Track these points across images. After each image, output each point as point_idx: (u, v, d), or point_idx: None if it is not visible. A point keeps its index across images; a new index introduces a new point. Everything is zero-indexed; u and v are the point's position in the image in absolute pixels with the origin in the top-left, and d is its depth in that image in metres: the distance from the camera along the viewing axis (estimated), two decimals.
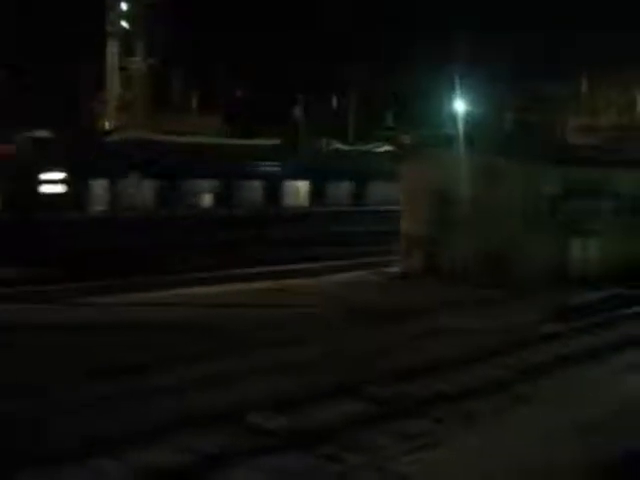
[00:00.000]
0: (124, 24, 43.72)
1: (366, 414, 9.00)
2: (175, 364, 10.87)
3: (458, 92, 37.89)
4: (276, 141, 31.64)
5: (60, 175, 23.97)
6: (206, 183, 28.21)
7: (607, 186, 21.48)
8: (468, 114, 37.63)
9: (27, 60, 38.37)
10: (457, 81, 37.17)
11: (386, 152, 35.09)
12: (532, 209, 19.99)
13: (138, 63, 43.53)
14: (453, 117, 35.87)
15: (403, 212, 22.85)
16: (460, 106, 37.87)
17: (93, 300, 16.63)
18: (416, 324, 14.41)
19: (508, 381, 10.53)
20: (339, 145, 37.64)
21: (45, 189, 23.60)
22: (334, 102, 44.90)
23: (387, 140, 37.55)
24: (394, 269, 22.05)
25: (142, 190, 26.09)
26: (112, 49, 43.32)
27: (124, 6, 43.85)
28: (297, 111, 42.12)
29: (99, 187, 24.42)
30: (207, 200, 27.69)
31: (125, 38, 43.67)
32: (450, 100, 38.37)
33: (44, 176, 23.90)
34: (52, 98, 36.29)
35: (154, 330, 13.45)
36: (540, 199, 20.09)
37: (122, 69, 42.97)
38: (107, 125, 40.65)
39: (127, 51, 43.91)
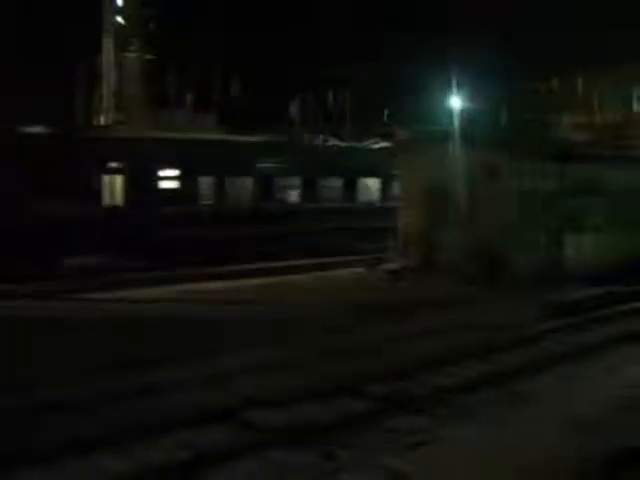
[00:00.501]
0: (120, 20, 43.63)
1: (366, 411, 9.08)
2: None
3: (454, 88, 37.90)
4: (277, 138, 31.61)
5: (175, 172, 25.75)
6: (286, 180, 29.10)
7: (602, 183, 21.54)
8: (464, 111, 37.64)
9: (22, 57, 38.32)
10: (453, 77, 37.19)
11: (382, 148, 35.08)
12: (528, 205, 20.05)
13: (134, 60, 43.44)
14: (449, 114, 35.87)
15: (399, 209, 22.92)
16: (456, 103, 37.87)
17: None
18: (412, 322, 14.49)
19: (505, 377, 10.60)
20: (336, 142, 37.60)
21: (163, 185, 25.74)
22: (330, 99, 44.85)
23: (383, 136, 37.50)
24: (392, 266, 22.11)
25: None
26: (108, 45, 43.22)
27: (120, 2, 43.75)
28: (293, 109, 42.09)
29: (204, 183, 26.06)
30: (293, 195, 28.90)
31: (120, 34, 43.58)
32: (446, 97, 38.38)
33: (162, 173, 25.82)
34: (48, 94, 36.24)
35: None
36: (536, 196, 20.14)
37: (117, 66, 42.90)
38: (103, 121, 40.56)
39: (122, 47, 43.81)
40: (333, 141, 37.42)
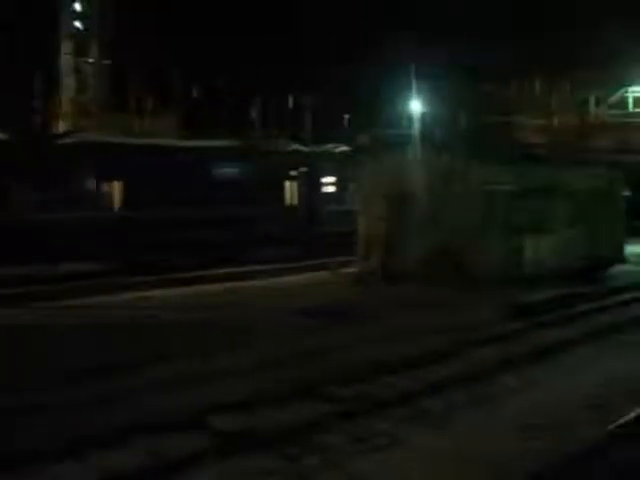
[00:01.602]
0: (78, 24, 43.29)
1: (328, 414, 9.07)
2: None
3: (415, 93, 38.18)
4: (235, 142, 31.50)
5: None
6: None
7: (561, 185, 21.80)
8: (424, 114, 37.93)
9: None
10: (414, 82, 37.46)
11: (343, 153, 35.20)
12: (488, 208, 20.20)
13: (92, 64, 43.12)
14: (410, 117, 36.14)
15: (360, 213, 22.96)
16: (416, 106, 38.15)
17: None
18: (373, 324, 14.53)
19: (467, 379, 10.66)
20: (296, 146, 37.59)
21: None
22: (290, 102, 44.84)
23: (344, 141, 37.62)
24: (352, 270, 22.17)
25: None
26: (66, 50, 42.85)
27: (78, 6, 43.41)
28: (253, 112, 42.02)
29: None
30: None
31: (79, 39, 43.24)
32: (408, 101, 38.65)
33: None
34: (4, 100, 35.83)
35: None
36: (496, 198, 20.31)
37: (76, 70, 42.54)
38: (61, 127, 40.15)
39: (81, 52, 43.47)
40: (294, 145, 37.42)
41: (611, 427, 8.17)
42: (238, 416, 8.83)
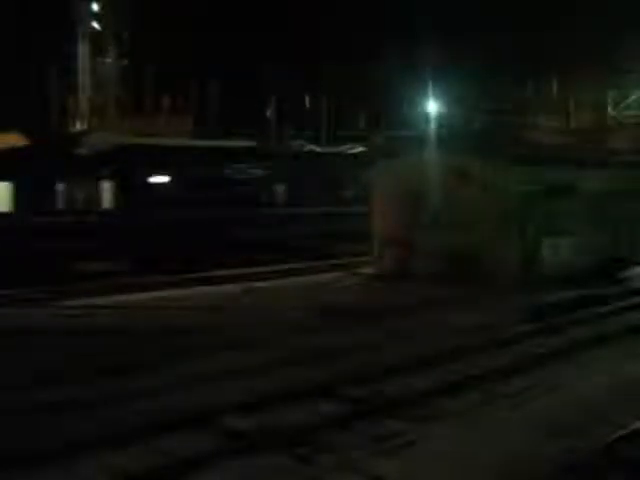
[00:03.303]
0: (95, 25, 43.45)
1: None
2: None
3: (430, 93, 38.05)
4: (251, 143, 31.42)
5: None
6: None
7: (578, 186, 21.65)
8: (440, 115, 37.80)
9: None
10: (429, 82, 37.34)
11: (359, 153, 35.12)
12: (504, 209, 20.10)
13: (109, 64, 43.28)
14: (425, 118, 36.00)
15: (375, 214, 22.90)
16: (432, 107, 38.02)
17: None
18: (387, 323, 14.50)
19: (482, 379, 10.58)
20: (312, 146, 37.57)
21: None
22: (307, 103, 44.83)
23: (360, 141, 37.56)
24: (369, 270, 22.15)
25: None
26: (83, 50, 43.05)
27: (95, 7, 43.57)
28: (269, 112, 42.04)
29: None
30: None
31: (96, 39, 43.41)
32: (423, 101, 38.54)
33: None
34: (23, 100, 36.04)
35: None
36: (512, 199, 20.20)
37: (93, 70, 42.71)
38: (79, 127, 40.33)
39: (98, 52, 43.64)
40: (310, 146, 37.39)
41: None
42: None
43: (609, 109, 38.90)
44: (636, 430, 8.13)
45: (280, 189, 28.89)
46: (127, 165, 24.68)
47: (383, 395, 9.77)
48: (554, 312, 15.74)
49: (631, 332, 14.15)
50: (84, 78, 42.53)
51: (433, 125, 30.59)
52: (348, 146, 37.65)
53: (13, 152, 24.33)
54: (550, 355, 12.16)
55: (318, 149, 37.16)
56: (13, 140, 26.40)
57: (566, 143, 36.59)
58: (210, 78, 40.82)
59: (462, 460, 7.76)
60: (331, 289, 19.46)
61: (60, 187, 23.53)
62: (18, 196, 22.42)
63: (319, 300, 17.03)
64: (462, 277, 18.99)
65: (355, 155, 34.76)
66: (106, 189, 23.99)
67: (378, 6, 45.19)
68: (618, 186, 23.65)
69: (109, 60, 43.41)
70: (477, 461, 7.71)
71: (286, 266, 23.10)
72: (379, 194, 23.04)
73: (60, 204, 23.40)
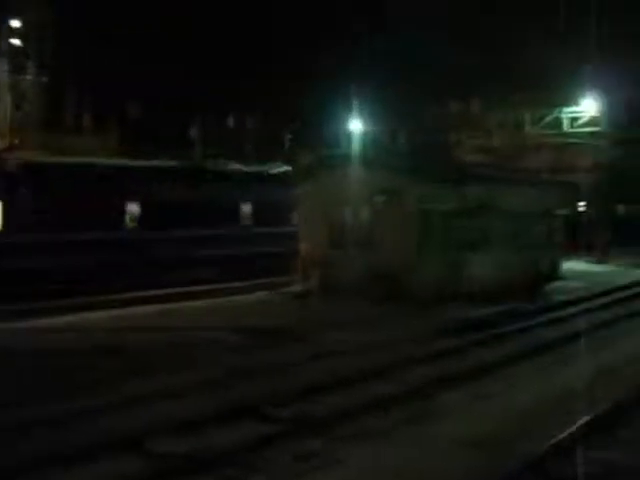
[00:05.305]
0: (15, 41, 42.62)
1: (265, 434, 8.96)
2: None
3: (355, 112, 38.39)
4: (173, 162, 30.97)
5: None
6: None
7: (499, 204, 22.08)
8: (365, 134, 38.15)
9: None
10: (354, 101, 37.67)
11: (284, 173, 35.10)
12: (425, 227, 20.35)
13: (29, 82, 42.47)
14: (350, 137, 36.30)
15: (300, 233, 22.97)
16: (357, 126, 38.36)
17: None
18: (313, 344, 14.48)
19: (407, 396, 10.64)
20: (237, 165, 37.40)
21: None
22: (231, 122, 44.69)
23: (285, 160, 37.58)
24: (294, 289, 22.13)
25: None
26: (2, 66, 42.15)
27: (16, 23, 42.74)
28: (193, 131, 41.76)
29: None
30: None
31: (16, 56, 42.57)
32: (348, 120, 38.83)
33: None
34: None
35: None
36: (433, 217, 20.47)
37: (12, 87, 41.84)
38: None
39: (18, 69, 42.79)
40: (236, 165, 37.14)
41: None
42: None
43: (528, 128, 39.76)
44: None
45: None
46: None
47: (306, 414, 9.76)
48: (479, 327, 15.98)
49: (549, 347, 14.40)
50: (3, 95, 41.65)
51: (358, 144, 30.85)
52: (274, 165, 37.64)
53: None
54: (468, 371, 12.30)
55: (244, 168, 36.99)
56: None
57: (487, 161, 37.31)
58: (132, 97, 40.39)
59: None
60: (252, 309, 19.33)
61: None
62: None
63: (239, 320, 16.90)
64: (388, 295, 19.15)
65: (281, 175, 34.72)
66: None
67: (303, 23, 45.38)
68: (535, 204, 24.25)
69: (29, 77, 42.62)
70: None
71: (215, 286, 22.96)
72: (304, 213, 23.12)
73: None
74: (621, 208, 39.67)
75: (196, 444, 8.51)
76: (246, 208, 29.44)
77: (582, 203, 38.33)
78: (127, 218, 25.34)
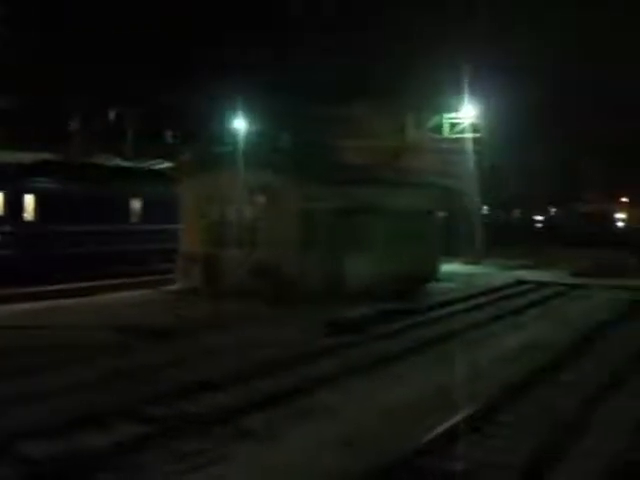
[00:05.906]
0: None
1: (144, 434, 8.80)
2: None
3: (239, 111, 38.22)
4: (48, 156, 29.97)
5: None
6: None
7: (380, 205, 22.41)
8: (249, 133, 38.02)
9: None
10: (239, 100, 37.53)
11: (165, 169, 34.63)
12: (310, 226, 20.46)
13: None
14: (233, 135, 36.12)
15: (181, 231, 22.75)
16: (240, 124, 38.19)
17: None
18: (194, 342, 14.36)
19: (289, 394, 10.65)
20: (119, 161, 36.70)
21: None
22: (112, 115, 43.73)
23: (166, 157, 37.07)
24: (175, 287, 21.92)
25: None
26: None
27: None
28: (74, 123, 40.65)
29: None
30: None
31: None
32: (232, 118, 38.62)
33: None
34: None
35: None
36: (314, 217, 20.61)
37: None
38: None
39: None
40: (116, 161, 36.48)
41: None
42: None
43: (410, 131, 40.52)
44: None
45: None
46: None
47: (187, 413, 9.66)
48: (358, 326, 16.14)
49: (426, 345, 14.66)
50: None
51: (241, 142, 30.73)
52: (154, 161, 37.11)
53: None
54: (349, 369, 12.41)
55: (125, 164, 36.32)
56: None
57: (370, 163, 37.82)
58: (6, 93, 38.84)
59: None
60: (131, 307, 18.96)
61: None
62: None
63: (117, 319, 16.57)
64: (271, 293, 19.18)
65: (163, 171, 34.23)
66: None
67: (187, 18, 44.86)
68: (415, 206, 24.74)
69: None
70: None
71: (99, 282, 22.54)
72: (185, 211, 22.89)
73: None
74: (516, 212, 40.68)
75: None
76: (136, 204, 28.92)
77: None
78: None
